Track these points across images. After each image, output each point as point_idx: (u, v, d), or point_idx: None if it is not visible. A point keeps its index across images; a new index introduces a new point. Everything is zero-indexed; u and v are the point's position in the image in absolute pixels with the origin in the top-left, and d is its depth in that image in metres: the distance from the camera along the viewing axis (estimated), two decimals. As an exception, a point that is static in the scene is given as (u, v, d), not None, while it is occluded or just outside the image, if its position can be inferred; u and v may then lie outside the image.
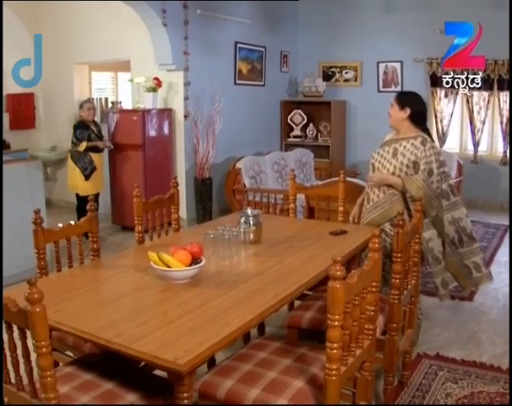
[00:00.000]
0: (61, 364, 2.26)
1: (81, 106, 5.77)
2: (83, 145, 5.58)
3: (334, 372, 1.72)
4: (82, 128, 5.65)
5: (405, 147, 3.03)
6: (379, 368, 2.63)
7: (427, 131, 3.11)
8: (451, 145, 7.41)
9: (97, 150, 5.74)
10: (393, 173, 3.04)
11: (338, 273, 1.62)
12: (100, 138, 5.81)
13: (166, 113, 6.09)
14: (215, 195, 6.32)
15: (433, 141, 3.15)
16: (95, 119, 5.98)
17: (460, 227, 3.13)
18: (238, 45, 6.81)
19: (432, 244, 3.05)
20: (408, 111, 3.04)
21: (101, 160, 5.84)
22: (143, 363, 2.18)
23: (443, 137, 7.35)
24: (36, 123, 7.31)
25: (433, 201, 2.96)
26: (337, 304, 1.64)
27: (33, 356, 1.60)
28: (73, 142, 5.69)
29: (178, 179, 3.32)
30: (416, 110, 3.06)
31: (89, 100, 6.18)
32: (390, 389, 2.56)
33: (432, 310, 3.78)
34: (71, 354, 2.40)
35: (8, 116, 6.85)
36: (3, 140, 6.18)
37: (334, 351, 1.70)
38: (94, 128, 5.73)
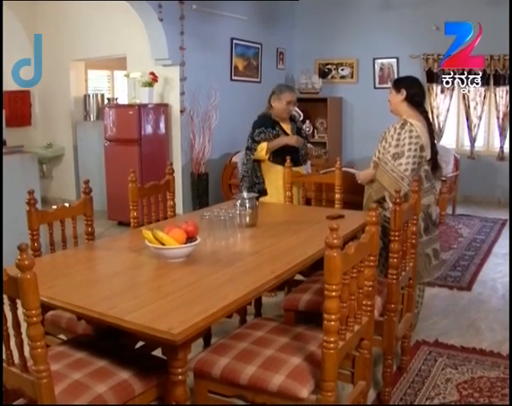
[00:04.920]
0: (54, 347, 2.23)
1: (274, 94, 3.73)
2: (262, 148, 3.61)
3: (331, 345, 1.69)
4: (264, 125, 3.68)
5: (389, 132, 3.04)
6: (378, 354, 2.60)
7: (425, 113, 3.10)
8: (448, 141, 7.40)
9: (299, 158, 3.72)
10: (378, 158, 3.05)
11: (335, 241, 1.59)
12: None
13: (162, 108, 6.07)
14: (211, 190, 6.29)
15: (431, 125, 3.14)
16: (296, 113, 3.99)
17: (428, 213, 3.06)
18: (234, 41, 6.80)
19: None
20: (404, 92, 3.04)
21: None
22: (138, 343, 2.16)
23: (439, 133, 7.34)
24: (32, 121, 7.28)
25: (400, 183, 2.87)
26: (334, 273, 1.61)
27: (23, 328, 1.56)
28: (248, 148, 3.73)
29: (174, 174, 3.24)
30: (413, 92, 3.05)
31: (290, 86, 4.01)
32: (389, 373, 2.52)
33: (430, 300, 3.75)
34: (64, 338, 2.35)
35: (4, 113, 6.81)
36: (-1, 137, 6.14)
37: (332, 323, 1.66)
38: (285, 126, 3.78)
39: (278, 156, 3.65)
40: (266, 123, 3.69)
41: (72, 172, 7.20)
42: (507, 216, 6.19)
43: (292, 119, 3.88)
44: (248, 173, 3.73)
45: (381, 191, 3.03)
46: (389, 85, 3.30)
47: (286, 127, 3.79)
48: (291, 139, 3.66)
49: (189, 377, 1.78)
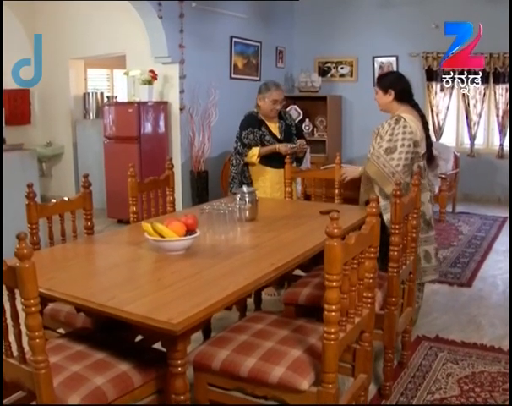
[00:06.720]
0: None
1: (259, 93, 3.65)
2: (254, 154, 3.56)
3: (332, 336, 1.67)
4: (251, 125, 3.60)
5: (383, 128, 3.00)
6: (379, 349, 2.59)
7: (416, 106, 3.06)
8: (448, 140, 7.38)
9: (297, 160, 3.73)
10: (372, 154, 3.00)
11: (335, 231, 1.59)
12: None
13: (161, 106, 6.06)
14: (211, 188, 6.27)
15: (424, 117, 3.08)
16: (295, 111, 3.89)
17: (420, 211, 2.95)
18: (234, 39, 6.79)
19: None
20: (392, 93, 3.01)
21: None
22: (137, 337, 2.15)
23: (439, 131, 7.34)
24: (32, 119, 7.27)
25: (390, 179, 2.83)
26: (335, 263, 1.60)
27: (22, 319, 1.55)
28: (237, 152, 3.62)
29: (174, 172, 3.21)
30: (400, 89, 3.02)
31: (277, 84, 3.73)
32: (390, 367, 2.51)
33: (430, 296, 3.74)
34: (63, 332, 2.34)
35: (4, 111, 6.80)
36: (-2, 136, 6.13)
37: (333, 313, 1.65)
38: (272, 126, 3.70)
39: (266, 158, 3.65)
40: (253, 124, 3.63)
41: (71, 170, 7.19)
42: (507, 214, 6.19)
43: (281, 117, 3.78)
44: (238, 175, 3.69)
45: (371, 189, 2.97)
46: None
47: (274, 126, 3.71)
48: (281, 148, 3.59)
49: (189, 371, 1.77)
